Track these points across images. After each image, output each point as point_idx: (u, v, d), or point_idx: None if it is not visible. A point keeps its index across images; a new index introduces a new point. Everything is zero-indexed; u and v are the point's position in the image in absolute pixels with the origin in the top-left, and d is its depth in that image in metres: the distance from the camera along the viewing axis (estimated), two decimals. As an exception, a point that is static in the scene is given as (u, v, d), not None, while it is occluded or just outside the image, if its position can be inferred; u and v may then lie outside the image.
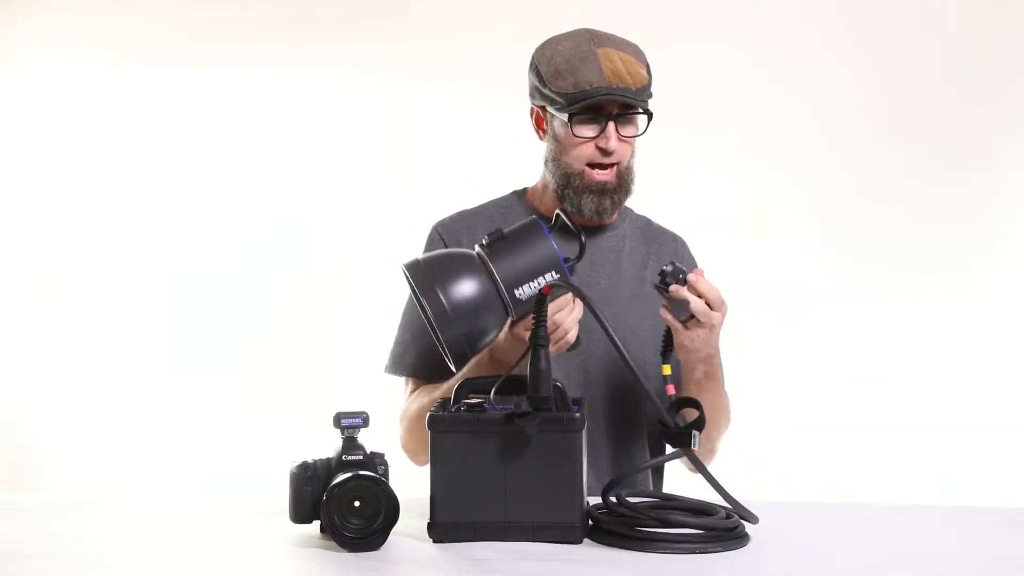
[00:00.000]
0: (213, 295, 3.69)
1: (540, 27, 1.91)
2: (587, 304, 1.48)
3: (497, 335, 1.61)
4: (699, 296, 1.66)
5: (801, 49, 3.42)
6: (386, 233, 3.43)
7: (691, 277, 1.66)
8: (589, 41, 1.82)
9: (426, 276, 1.55)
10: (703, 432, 1.57)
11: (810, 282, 3.42)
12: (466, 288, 1.54)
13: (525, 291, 1.55)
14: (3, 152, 3.84)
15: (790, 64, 3.42)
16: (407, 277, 1.57)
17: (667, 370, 1.65)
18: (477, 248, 1.58)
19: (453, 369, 1.63)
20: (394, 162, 3.61)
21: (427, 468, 1.47)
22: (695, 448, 1.48)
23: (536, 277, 1.55)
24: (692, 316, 1.66)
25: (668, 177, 3.30)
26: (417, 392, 1.93)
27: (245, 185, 3.70)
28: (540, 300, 1.45)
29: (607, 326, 1.44)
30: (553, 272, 1.55)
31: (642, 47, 1.88)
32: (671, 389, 1.61)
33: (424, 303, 1.53)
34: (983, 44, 3.33)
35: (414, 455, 1.92)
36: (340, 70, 3.67)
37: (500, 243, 1.57)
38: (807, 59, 3.41)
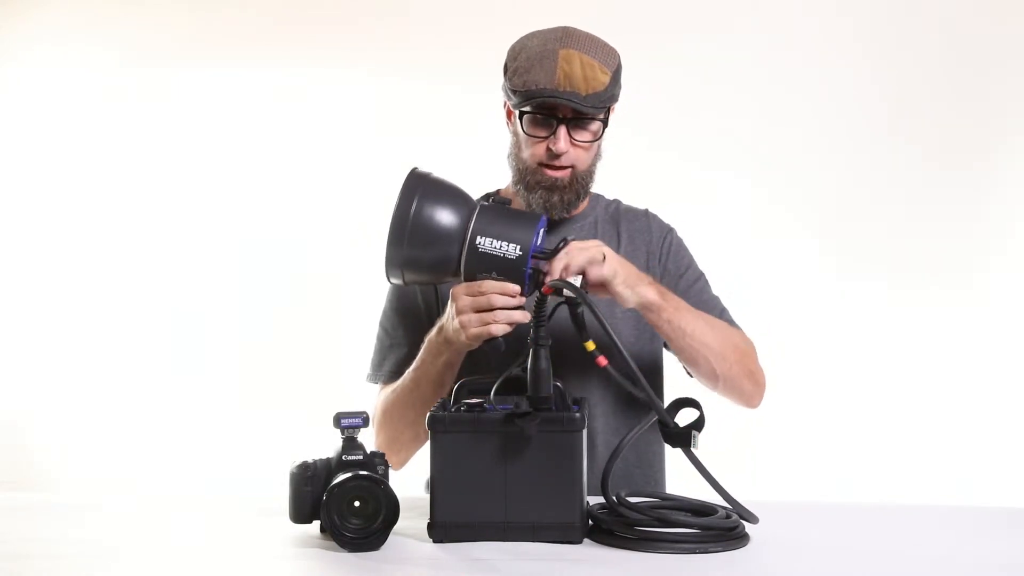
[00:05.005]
0: (213, 295, 3.70)
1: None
2: (584, 301, 1.48)
3: (436, 278, 1.64)
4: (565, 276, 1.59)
5: (801, 49, 3.42)
6: (386, 233, 3.43)
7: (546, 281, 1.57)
8: (558, 40, 1.80)
9: (416, 185, 1.62)
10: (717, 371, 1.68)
11: (810, 282, 3.42)
12: (439, 215, 1.60)
13: (484, 244, 1.59)
14: (3, 152, 3.84)
15: (790, 64, 3.42)
16: (405, 179, 1.63)
17: (591, 346, 1.53)
18: (480, 201, 1.64)
19: (388, 281, 1.67)
20: (394, 162, 3.60)
21: (426, 468, 1.47)
22: (695, 448, 1.48)
23: (501, 241, 1.59)
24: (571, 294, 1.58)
25: (668, 177, 3.31)
26: (383, 391, 1.95)
27: (245, 185, 3.70)
28: (540, 300, 1.45)
29: (605, 325, 1.44)
30: (518, 248, 1.58)
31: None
32: (602, 360, 1.51)
33: (396, 204, 1.60)
34: (983, 44, 3.33)
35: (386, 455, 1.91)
36: (340, 70, 3.67)
37: (498, 207, 1.63)
38: (807, 59, 3.41)
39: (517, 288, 1.59)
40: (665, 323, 1.75)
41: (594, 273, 1.61)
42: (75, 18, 3.78)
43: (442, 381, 1.74)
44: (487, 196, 2.01)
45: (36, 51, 3.81)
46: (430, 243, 1.59)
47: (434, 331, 1.75)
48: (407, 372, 1.84)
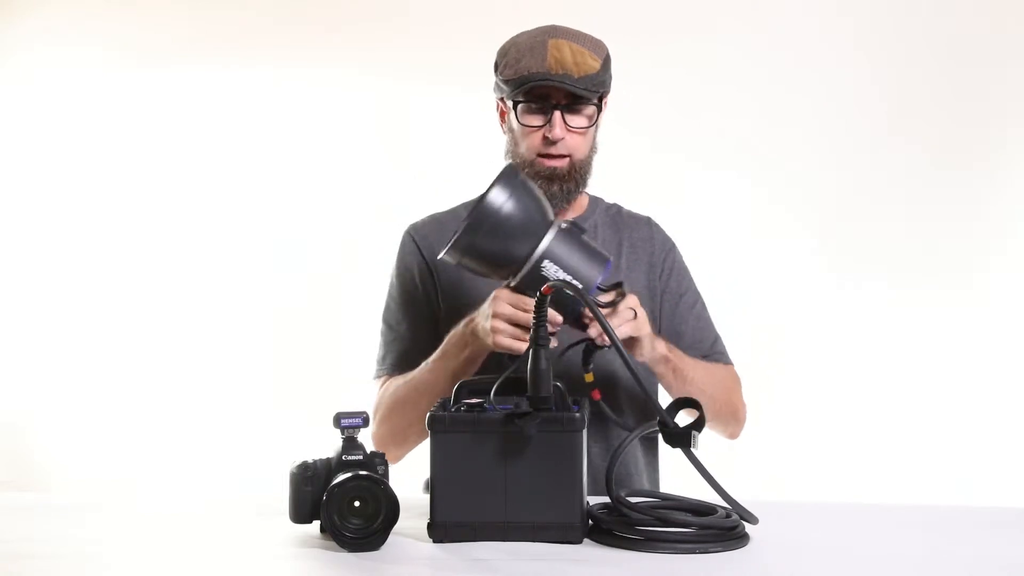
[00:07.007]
0: (213, 295, 3.70)
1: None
2: (588, 305, 1.48)
3: (489, 272, 1.63)
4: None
5: (801, 49, 3.42)
6: (386, 233, 3.42)
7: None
8: (545, 33, 1.83)
9: (513, 181, 1.59)
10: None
11: (810, 282, 3.42)
12: (523, 220, 1.57)
13: (548, 269, 1.58)
14: (3, 152, 3.84)
15: (790, 64, 3.42)
16: (504, 172, 1.61)
17: (590, 378, 1.63)
18: (562, 220, 1.63)
19: (441, 258, 1.63)
20: (394, 162, 3.61)
21: (426, 468, 1.47)
22: (695, 448, 1.48)
23: (566, 273, 1.58)
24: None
25: (670, 177, 3.31)
26: (388, 382, 1.94)
27: (245, 185, 3.70)
28: (540, 300, 1.45)
29: (608, 327, 1.44)
30: (578, 284, 1.57)
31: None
32: (596, 395, 1.61)
33: (489, 192, 1.57)
34: (983, 43, 3.33)
35: (384, 447, 1.89)
36: (340, 70, 3.67)
37: (574, 235, 1.61)
38: (807, 59, 3.41)
39: (560, 320, 1.61)
40: (671, 372, 1.80)
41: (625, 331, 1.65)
42: (75, 18, 3.78)
43: (461, 375, 1.74)
44: None
45: (35, 51, 3.81)
46: (504, 241, 1.58)
47: (461, 325, 1.75)
48: (424, 363, 1.83)
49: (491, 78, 1.91)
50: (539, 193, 1.64)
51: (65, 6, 3.79)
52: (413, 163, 3.59)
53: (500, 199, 1.58)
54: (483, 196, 1.58)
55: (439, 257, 1.64)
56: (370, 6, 3.63)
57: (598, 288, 1.62)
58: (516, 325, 1.62)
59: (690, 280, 2.02)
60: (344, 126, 3.65)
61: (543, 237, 1.59)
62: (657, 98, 3.27)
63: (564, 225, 1.63)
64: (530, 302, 1.59)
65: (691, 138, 3.40)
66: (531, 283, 1.59)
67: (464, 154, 3.43)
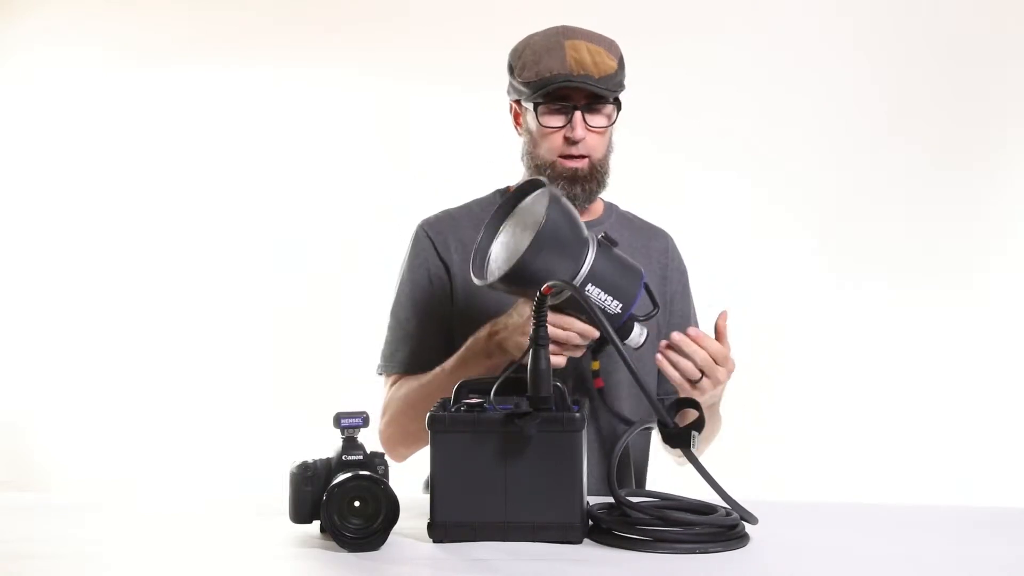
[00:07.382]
0: (213, 295, 3.70)
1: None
2: (587, 307, 1.48)
3: (520, 293, 1.61)
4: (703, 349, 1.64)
5: (801, 49, 3.42)
6: (386, 233, 3.43)
7: (692, 331, 1.64)
8: (559, 34, 1.83)
9: (561, 202, 1.56)
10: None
11: (810, 282, 3.42)
12: (569, 235, 1.55)
13: (592, 293, 1.56)
14: (3, 152, 3.84)
15: (790, 64, 3.42)
16: (551, 192, 1.57)
17: (596, 365, 1.64)
18: (599, 235, 1.61)
19: (476, 278, 1.59)
20: (394, 162, 3.62)
21: (426, 468, 1.47)
22: (694, 448, 1.49)
23: (608, 294, 1.57)
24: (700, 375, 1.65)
25: (670, 177, 3.32)
26: (400, 382, 1.92)
27: (245, 185, 3.70)
28: (540, 300, 1.45)
29: (608, 329, 1.44)
30: (620, 306, 1.57)
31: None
32: (599, 383, 1.61)
33: (549, 208, 1.53)
34: (983, 43, 3.34)
35: (392, 447, 1.89)
36: (340, 70, 3.67)
37: (610, 251, 1.59)
38: (807, 59, 3.41)
39: (596, 335, 1.60)
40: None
41: (717, 350, 1.65)
42: (75, 18, 3.79)
43: None
44: (499, 192, 2.00)
45: (35, 51, 3.81)
46: (557, 261, 1.54)
47: (484, 334, 1.73)
48: (441, 369, 1.81)
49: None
50: (579, 219, 1.60)
51: (65, 6, 3.79)
52: (413, 163, 3.59)
53: (559, 219, 1.54)
54: (544, 217, 1.52)
55: (482, 284, 1.59)
56: (370, 6, 3.63)
57: (645, 290, 1.61)
58: (555, 343, 1.58)
59: (694, 308, 2.05)
60: (344, 126, 3.65)
61: (585, 256, 1.56)
62: (657, 98, 3.27)
63: (599, 237, 1.60)
64: (575, 324, 1.59)
65: (691, 138, 3.41)
66: (574, 303, 1.57)
67: (464, 154, 3.44)
